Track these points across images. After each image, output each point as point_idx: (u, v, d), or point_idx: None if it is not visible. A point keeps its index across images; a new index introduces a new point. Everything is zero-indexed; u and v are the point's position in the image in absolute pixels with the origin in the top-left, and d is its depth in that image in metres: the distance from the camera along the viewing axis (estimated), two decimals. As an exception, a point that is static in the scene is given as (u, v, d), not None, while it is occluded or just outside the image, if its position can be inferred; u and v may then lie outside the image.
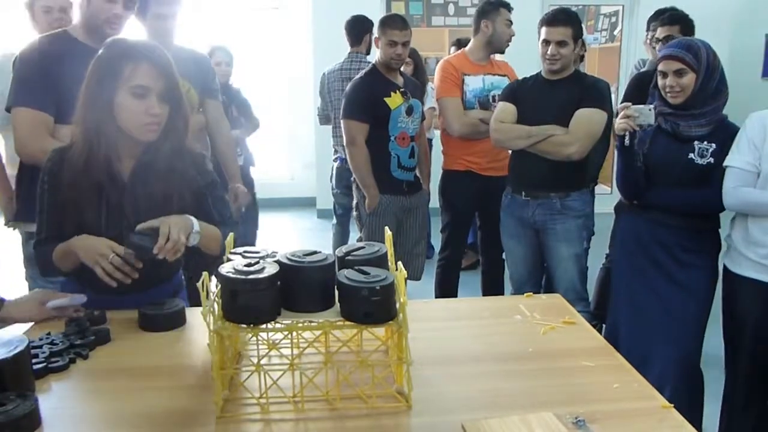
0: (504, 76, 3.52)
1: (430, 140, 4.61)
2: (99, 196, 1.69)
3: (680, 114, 2.39)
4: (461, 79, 3.44)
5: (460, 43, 4.73)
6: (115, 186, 1.70)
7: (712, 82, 2.34)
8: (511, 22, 3.50)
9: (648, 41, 3.73)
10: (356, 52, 4.40)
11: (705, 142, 2.37)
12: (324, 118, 4.77)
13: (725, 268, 2.42)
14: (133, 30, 2.60)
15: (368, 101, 3.20)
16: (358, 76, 3.37)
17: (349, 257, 1.20)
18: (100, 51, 1.67)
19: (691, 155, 2.38)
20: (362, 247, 1.40)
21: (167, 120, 1.70)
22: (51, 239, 1.73)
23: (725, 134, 2.35)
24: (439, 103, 3.54)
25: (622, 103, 2.54)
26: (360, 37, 4.41)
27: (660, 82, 2.40)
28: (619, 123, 2.44)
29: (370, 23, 4.35)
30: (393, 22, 3.22)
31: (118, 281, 1.61)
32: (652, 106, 2.41)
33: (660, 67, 2.39)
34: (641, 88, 3.24)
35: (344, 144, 3.32)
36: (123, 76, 1.62)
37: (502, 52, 3.57)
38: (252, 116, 4.51)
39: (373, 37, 3.83)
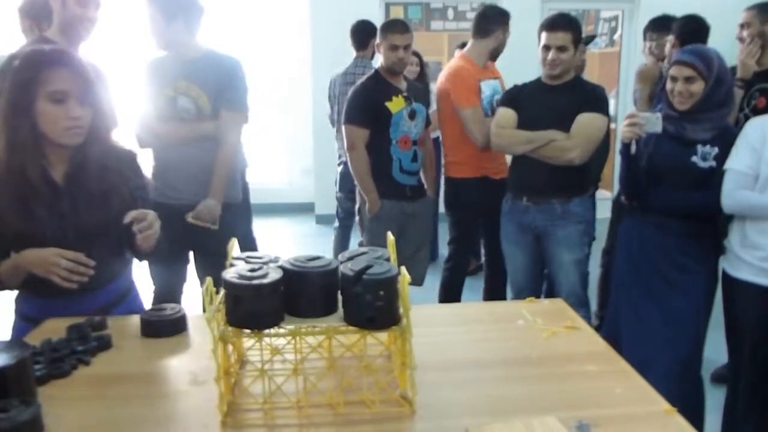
0: (497, 79, 3.55)
1: (436, 139, 4.56)
2: (30, 203, 1.69)
3: (686, 118, 2.40)
4: (478, 86, 3.42)
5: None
6: (50, 190, 1.71)
7: (719, 93, 2.35)
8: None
9: (647, 50, 3.76)
10: (362, 57, 4.43)
11: (708, 146, 2.38)
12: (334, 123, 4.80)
13: (724, 272, 2.42)
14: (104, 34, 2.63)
15: (368, 106, 3.21)
16: (359, 82, 3.38)
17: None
18: (15, 63, 1.68)
19: (694, 158, 2.39)
20: (364, 252, 1.40)
21: (91, 122, 1.72)
22: None
23: (728, 139, 2.36)
24: (463, 115, 3.35)
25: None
26: (365, 42, 4.44)
27: (669, 86, 2.41)
28: (624, 131, 2.45)
29: (375, 28, 4.36)
30: (394, 26, 3.23)
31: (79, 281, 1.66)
32: (658, 114, 2.41)
33: (671, 72, 2.40)
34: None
35: (345, 148, 3.33)
36: (40, 83, 1.63)
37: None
38: None
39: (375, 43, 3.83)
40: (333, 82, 4.54)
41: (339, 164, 4.64)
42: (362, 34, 4.43)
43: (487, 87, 3.45)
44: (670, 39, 3.35)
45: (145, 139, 2.74)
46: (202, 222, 2.66)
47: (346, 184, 4.48)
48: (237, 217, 2.87)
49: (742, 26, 3.18)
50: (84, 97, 1.68)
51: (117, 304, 1.86)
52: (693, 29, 3.30)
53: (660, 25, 3.66)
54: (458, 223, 3.58)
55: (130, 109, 2.76)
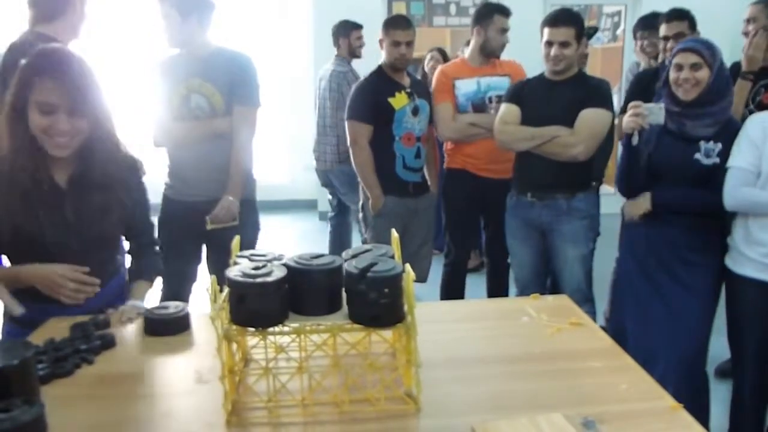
0: (505, 76, 3.50)
1: None
2: (31, 202, 1.68)
3: (687, 113, 2.38)
4: (452, 84, 3.42)
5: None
6: (54, 194, 1.71)
7: (720, 83, 2.35)
8: (506, 29, 3.45)
9: (638, 48, 3.75)
10: (338, 56, 4.59)
11: (711, 142, 2.37)
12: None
13: (727, 269, 2.41)
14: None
15: (371, 102, 3.21)
16: (363, 78, 3.38)
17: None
18: (22, 61, 1.66)
19: (697, 155, 2.38)
20: (368, 250, 1.40)
21: (90, 133, 1.69)
22: None
23: (731, 134, 2.35)
24: (433, 110, 3.49)
25: (625, 101, 2.53)
26: (335, 40, 4.59)
27: (673, 75, 2.38)
28: (627, 121, 2.44)
29: (346, 26, 4.55)
30: (396, 22, 3.23)
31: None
32: (662, 105, 2.40)
33: (676, 60, 2.38)
34: (642, 87, 3.25)
35: (347, 144, 3.33)
36: (30, 91, 1.61)
37: (497, 57, 3.55)
38: None
39: (357, 40, 4.20)
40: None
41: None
42: (333, 32, 4.63)
43: (468, 84, 3.43)
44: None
45: (160, 138, 2.75)
46: (221, 224, 2.65)
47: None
48: (251, 213, 2.86)
49: (747, 21, 3.16)
50: (75, 110, 1.63)
51: (110, 306, 1.82)
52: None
53: (650, 24, 3.64)
54: (446, 211, 3.62)
55: (140, 110, 2.75)
